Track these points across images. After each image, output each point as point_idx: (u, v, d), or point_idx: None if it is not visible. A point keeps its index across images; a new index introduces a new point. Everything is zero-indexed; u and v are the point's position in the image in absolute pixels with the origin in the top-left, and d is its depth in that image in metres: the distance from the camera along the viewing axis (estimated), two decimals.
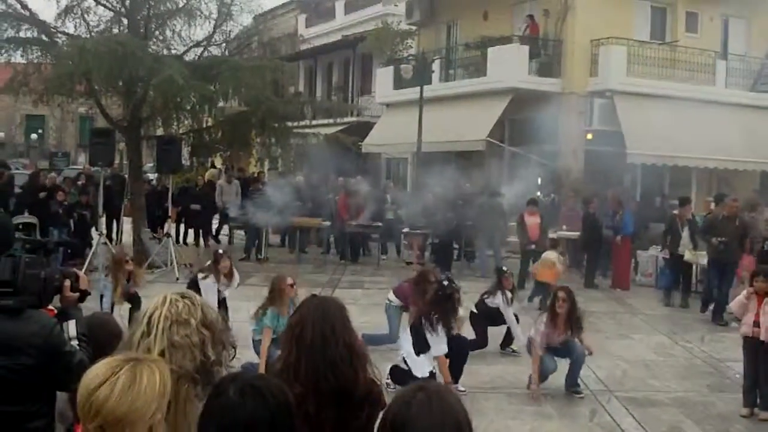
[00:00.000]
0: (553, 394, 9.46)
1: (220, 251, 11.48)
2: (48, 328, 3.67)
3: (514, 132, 22.06)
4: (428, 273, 10.62)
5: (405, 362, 9.02)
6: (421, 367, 8.90)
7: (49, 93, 18.16)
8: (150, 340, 3.07)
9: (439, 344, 9.01)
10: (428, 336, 8.99)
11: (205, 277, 10.83)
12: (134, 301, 10.75)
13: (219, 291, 10.87)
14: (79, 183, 21.58)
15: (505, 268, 12.08)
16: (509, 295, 11.29)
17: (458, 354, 9.38)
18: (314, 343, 3.47)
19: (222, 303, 10.92)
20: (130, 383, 2.46)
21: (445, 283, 9.47)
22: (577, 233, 18.37)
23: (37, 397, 3.66)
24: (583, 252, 18.61)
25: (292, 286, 9.31)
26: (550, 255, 14.57)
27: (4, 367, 3.56)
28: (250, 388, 2.47)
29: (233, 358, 3.30)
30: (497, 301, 11.16)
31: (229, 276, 11.09)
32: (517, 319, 11.36)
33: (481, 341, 11.12)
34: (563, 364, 9.61)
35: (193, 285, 10.66)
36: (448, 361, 9.17)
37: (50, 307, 3.96)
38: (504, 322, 11.29)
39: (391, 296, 11.19)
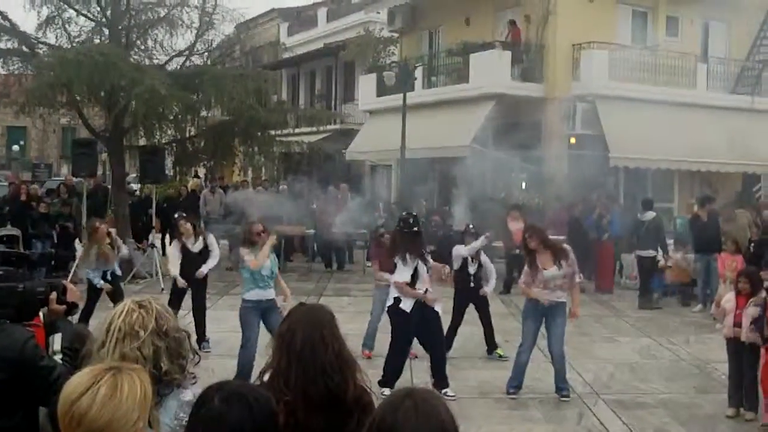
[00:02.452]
0: (540, 399, 9.47)
1: (178, 213, 11.98)
2: (20, 341, 3.58)
3: (498, 137, 22.09)
4: (379, 232, 11.79)
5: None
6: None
7: (31, 104, 18.06)
8: (104, 352, 3.10)
9: (400, 272, 9.43)
10: (398, 265, 9.45)
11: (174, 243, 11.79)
12: (116, 294, 11.07)
13: (187, 247, 11.50)
14: (61, 194, 21.45)
15: (471, 227, 11.84)
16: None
17: (428, 325, 9.54)
18: (303, 351, 3.48)
19: (201, 255, 11.57)
20: (112, 392, 2.45)
21: (404, 214, 9.83)
22: (563, 237, 18.41)
23: (12, 412, 3.58)
24: None
25: (259, 233, 9.62)
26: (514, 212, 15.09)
27: None
28: (234, 396, 2.47)
29: (197, 363, 3.31)
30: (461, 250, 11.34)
31: (196, 235, 11.72)
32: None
33: (456, 318, 11.39)
34: (549, 367, 9.62)
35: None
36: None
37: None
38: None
39: (380, 275, 11.32)
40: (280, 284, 9.79)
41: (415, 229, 9.49)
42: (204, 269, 11.57)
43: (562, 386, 9.53)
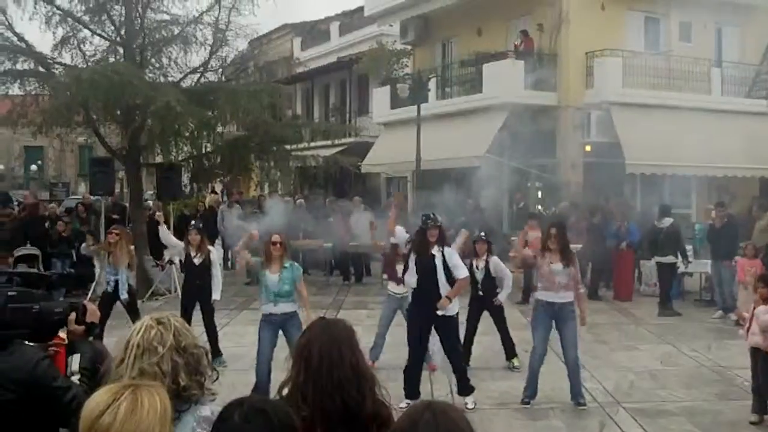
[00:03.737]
0: (561, 408, 9.44)
1: (192, 223, 12.05)
2: (32, 362, 3.57)
3: (513, 147, 22.09)
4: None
5: None
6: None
7: (48, 124, 18.16)
8: (123, 368, 3.13)
9: (410, 276, 9.49)
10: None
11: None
12: (133, 312, 11.24)
13: (190, 258, 11.69)
14: (79, 213, 21.57)
15: (482, 234, 11.79)
16: (476, 262, 11.38)
17: (447, 335, 9.53)
18: (321, 365, 3.49)
19: (202, 267, 11.68)
20: (132, 408, 2.48)
21: (423, 217, 9.74)
22: (580, 246, 18.37)
23: None
24: (587, 263, 18.61)
25: (275, 244, 9.49)
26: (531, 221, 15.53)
27: None
28: (255, 412, 2.48)
29: (215, 380, 3.33)
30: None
31: (201, 249, 11.74)
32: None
33: (469, 328, 11.34)
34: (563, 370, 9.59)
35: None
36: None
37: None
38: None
39: (391, 285, 11.44)
40: (303, 298, 9.72)
41: (423, 227, 9.48)
42: (216, 295, 11.63)
43: (577, 393, 9.50)
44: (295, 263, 9.99)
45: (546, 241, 9.69)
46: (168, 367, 3.17)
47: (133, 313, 11.71)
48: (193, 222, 12.56)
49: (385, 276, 20.02)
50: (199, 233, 11.85)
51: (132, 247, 12.65)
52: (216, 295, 11.64)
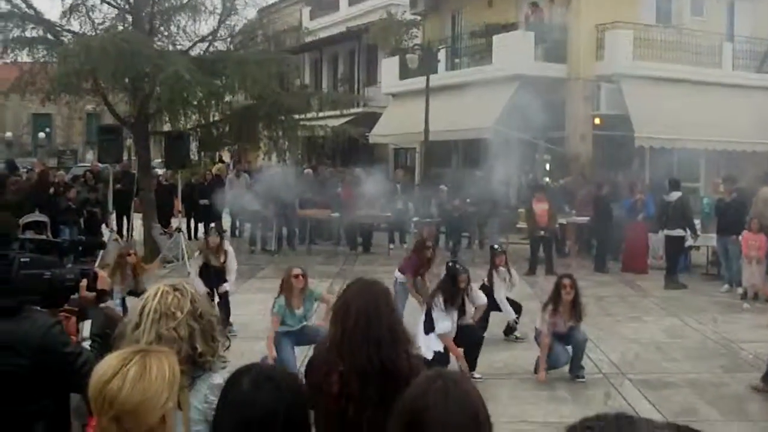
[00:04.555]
0: (567, 379, 9.48)
1: (211, 226, 11.84)
2: (44, 328, 3.57)
3: (522, 119, 22.01)
4: (425, 240, 11.59)
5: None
6: (427, 347, 8.95)
7: (56, 91, 18.16)
8: (138, 333, 3.16)
9: (443, 321, 9.11)
10: (434, 314, 9.12)
11: (198, 254, 11.50)
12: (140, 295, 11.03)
13: (209, 260, 11.32)
14: (88, 180, 21.59)
15: (496, 246, 12.05)
16: (503, 270, 11.36)
17: (471, 343, 9.43)
18: (358, 325, 3.58)
19: (222, 298, 11.29)
20: (141, 373, 2.50)
21: (450, 264, 9.60)
22: (587, 218, 18.37)
23: (38, 397, 3.58)
24: (593, 236, 18.62)
25: (297, 276, 9.11)
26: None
27: None
28: (263, 379, 2.49)
29: (227, 348, 3.37)
30: (493, 280, 11.25)
31: (219, 252, 11.47)
32: (511, 303, 11.39)
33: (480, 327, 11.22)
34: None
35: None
36: (460, 350, 9.22)
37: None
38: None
39: (397, 274, 11.53)
40: (327, 303, 9.12)
41: (454, 277, 9.33)
42: (227, 286, 11.55)
43: (576, 368, 9.54)
44: (311, 288, 9.45)
45: (559, 292, 9.44)
46: (185, 332, 3.20)
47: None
48: (212, 225, 12.40)
49: (392, 246, 20.23)
50: (219, 236, 11.72)
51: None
52: (227, 286, 11.52)
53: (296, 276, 9.11)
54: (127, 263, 11.29)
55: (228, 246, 11.97)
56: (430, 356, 8.65)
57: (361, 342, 3.54)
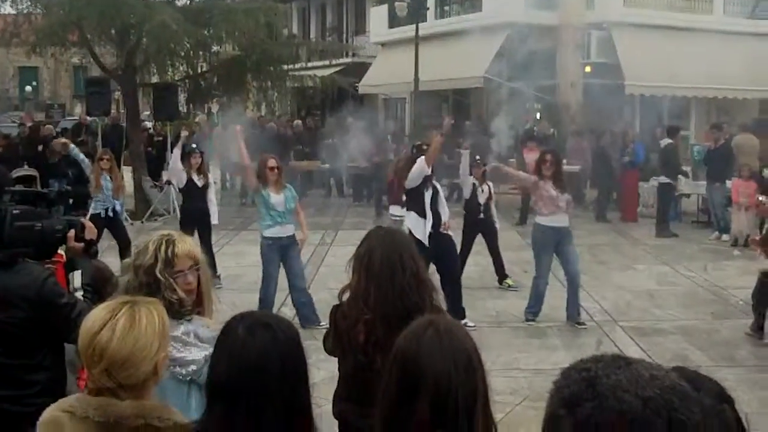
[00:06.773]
0: (558, 326, 9.55)
1: (192, 146, 11.91)
2: (39, 280, 3.60)
3: (512, 67, 21.88)
4: (398, 161, 11.12)
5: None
6: (417, 226, 9.25)
7: (42, 43, 17.92)
8: (134, 281, 3.31)
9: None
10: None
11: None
12: (124, 248, 11.21)
13: (192, 180, 11.41)
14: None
15: (478, 157, 11.61)
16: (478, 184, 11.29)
17: (446, 252, 9.52)
18: (382, 272, 3.63)
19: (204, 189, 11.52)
20: (130, 324, 2.51)
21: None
22: (578, 167, 18.34)
23: (34, 350, 3.61)
24: (592, 186, 18.64)
25: (273, 169, 9.37)
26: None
27: None
28: (258, 325, 2.49)
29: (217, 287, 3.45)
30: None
31: (202, 171, 11.59)
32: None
33: (465, 249, 11.21)
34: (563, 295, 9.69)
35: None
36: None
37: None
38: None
39: (392, 209, 11.57)
40: (300, 219, 9.75)
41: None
42: (214, 219, 11.56)
43: (574, 312, 9.61)
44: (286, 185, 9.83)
45: (540, 167, 9.63)
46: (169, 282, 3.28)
47: (123, 241, 11.75)
48: (194, 145, 12.40)
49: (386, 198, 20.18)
50: (200, 155, 11.77)
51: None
52: (215, 219, 11.61)
53: (271, 168, 9.38)
54: (101, 169, 11.65)
55: (212, 180, 12.09)
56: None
57: (386, 290, 3.60)
